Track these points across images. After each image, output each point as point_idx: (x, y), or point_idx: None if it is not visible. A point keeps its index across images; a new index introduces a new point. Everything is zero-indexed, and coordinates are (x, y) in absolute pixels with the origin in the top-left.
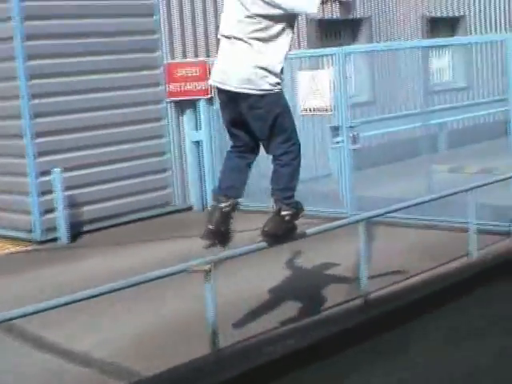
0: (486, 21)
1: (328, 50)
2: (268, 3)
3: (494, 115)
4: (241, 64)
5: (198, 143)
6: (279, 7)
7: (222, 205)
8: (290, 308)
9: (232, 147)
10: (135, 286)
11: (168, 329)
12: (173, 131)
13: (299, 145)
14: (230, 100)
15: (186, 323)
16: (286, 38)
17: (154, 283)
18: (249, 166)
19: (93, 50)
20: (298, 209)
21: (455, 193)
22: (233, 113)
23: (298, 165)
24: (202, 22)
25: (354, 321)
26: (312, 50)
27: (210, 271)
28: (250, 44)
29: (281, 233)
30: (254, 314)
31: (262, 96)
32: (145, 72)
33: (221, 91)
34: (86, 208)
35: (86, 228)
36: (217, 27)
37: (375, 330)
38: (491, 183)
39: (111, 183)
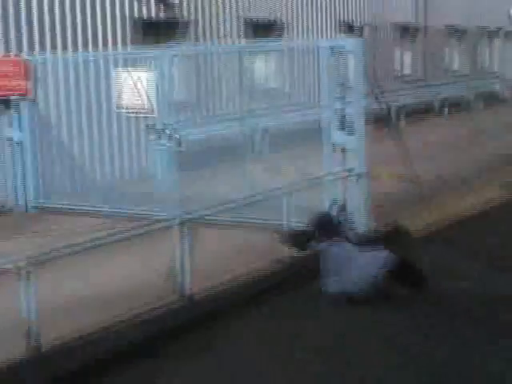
0: (309, 26)
1: (151, 52)
2: None
3: (311, 120)
4: None
5: (18, 143)
6: None
7: None
8: (110, 310)
9: None
10: None
11: None
12: None
13: None
14: None
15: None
16: None
17: None
18: None
19: None
20: None
21: (271, 193)
22: None
23: None
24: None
25: (176, 321)
26: (136, 51)
27: (25, 270)
28: None
29: None
30: (71, 316)
31: None
32: None
33: None
34: None
35: None
36: (39, 21)
37: (198, 330)
38: (305, 185)
39: None
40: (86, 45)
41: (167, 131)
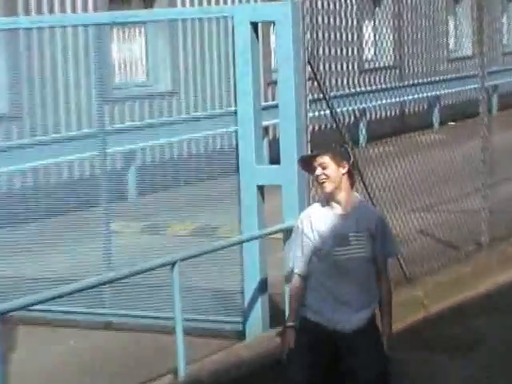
0: None
1: None
2: None
3: (216, 138)
4: None
5: None
6: None
7: None
8: None
9: None
10: None
11: None
12: None
13: None
14: None
15: None
16: None
17: None
18: None
19: None
20: None
21: (150, 269)
22: None
23: None
24: None
25: None
26: None
27: None
28: None
29: None
30: None
31: None
32: None
33: None
34: None
35: None
36: None
37: None
38: (210, 252)
39: None
40: None
41: None
